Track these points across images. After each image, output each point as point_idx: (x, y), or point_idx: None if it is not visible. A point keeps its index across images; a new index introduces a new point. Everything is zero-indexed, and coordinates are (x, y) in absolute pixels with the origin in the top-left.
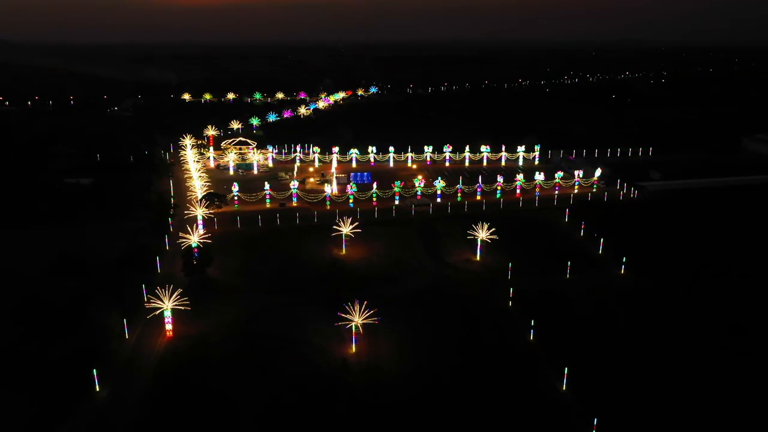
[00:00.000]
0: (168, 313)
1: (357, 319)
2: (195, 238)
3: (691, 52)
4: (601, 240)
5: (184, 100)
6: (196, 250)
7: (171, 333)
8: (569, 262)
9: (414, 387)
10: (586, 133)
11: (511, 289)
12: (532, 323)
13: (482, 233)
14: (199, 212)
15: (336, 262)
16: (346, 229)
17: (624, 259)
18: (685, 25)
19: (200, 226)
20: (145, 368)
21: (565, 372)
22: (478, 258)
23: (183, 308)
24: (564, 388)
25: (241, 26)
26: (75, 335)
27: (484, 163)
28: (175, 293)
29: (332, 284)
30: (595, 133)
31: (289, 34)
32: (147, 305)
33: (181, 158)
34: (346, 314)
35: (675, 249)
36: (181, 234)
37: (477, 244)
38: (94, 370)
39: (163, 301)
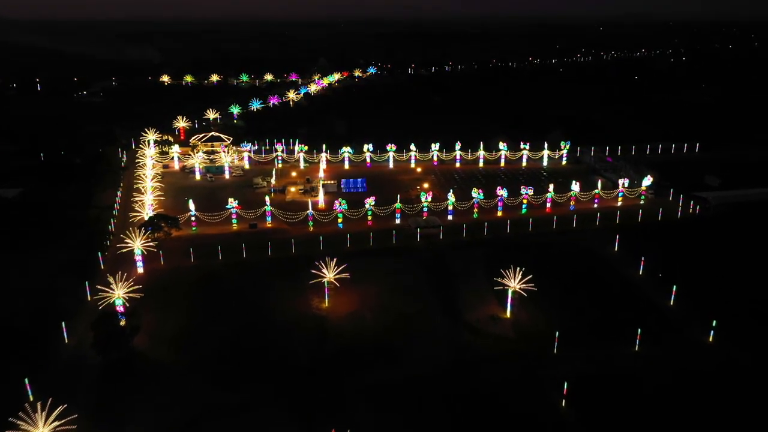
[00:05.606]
0: None
1: None
2: (120, 291)
3: (701, 27)
4: (673, 286)
5: (163, 83)
6: (121, 308)
7: None
8: (639, 330)
9: None
10: (611, 123)
11: (566, 384)
12: None
13: (514, 282)
14: (137, 245)
15: (314, 321)
16: (330, 274)
17: (714, 323)
18: None
19: (139, 264)
20: None
21: None
22: (508, 314)
23: None
24: None
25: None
26: None
27: (502, 164)
28: (56, 410)
29: (306, 370)
30: (621, 121)
31: (288, 8)
32: None
33: (138, 160)
34: None
35: None
36: (99, 287)
37: (507, 296)
38: None
39: (34, 423)
